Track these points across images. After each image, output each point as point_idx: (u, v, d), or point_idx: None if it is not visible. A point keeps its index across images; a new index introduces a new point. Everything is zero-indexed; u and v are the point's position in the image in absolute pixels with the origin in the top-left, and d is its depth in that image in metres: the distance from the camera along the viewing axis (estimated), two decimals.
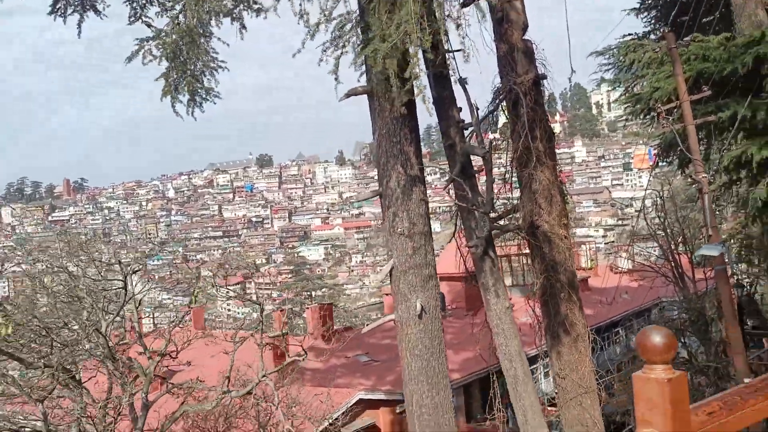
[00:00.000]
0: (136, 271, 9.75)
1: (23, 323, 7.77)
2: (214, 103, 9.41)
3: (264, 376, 9.20)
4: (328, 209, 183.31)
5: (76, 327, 8.48)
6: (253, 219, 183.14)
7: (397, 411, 18.90)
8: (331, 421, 11.65)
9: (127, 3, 9.94)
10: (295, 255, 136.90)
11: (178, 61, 8.60)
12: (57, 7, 10.25)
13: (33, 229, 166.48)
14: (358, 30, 6.61)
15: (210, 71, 8.99)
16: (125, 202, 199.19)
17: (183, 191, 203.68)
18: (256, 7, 8.35)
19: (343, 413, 15.56)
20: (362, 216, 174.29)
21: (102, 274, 9.04)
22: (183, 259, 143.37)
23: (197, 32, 8.40)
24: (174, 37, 8.38)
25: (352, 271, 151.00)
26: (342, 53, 6.25)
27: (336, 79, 6.36)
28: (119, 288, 9.07)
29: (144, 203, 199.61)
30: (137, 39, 8.80)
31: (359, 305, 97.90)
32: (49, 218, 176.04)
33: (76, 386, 8.41)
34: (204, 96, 9.11)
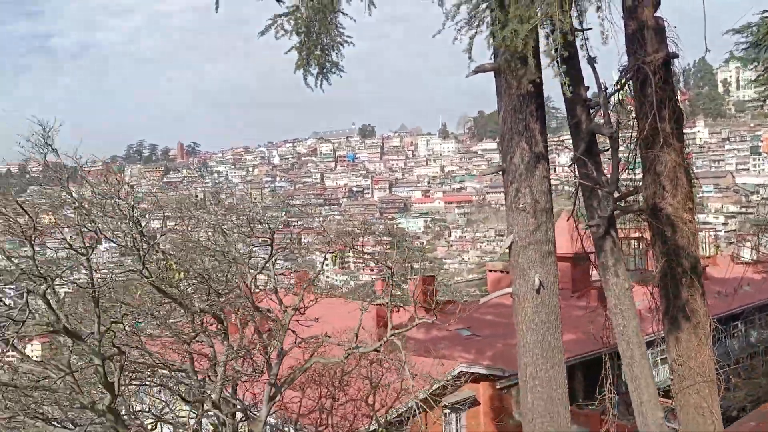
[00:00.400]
0: (276, 230, 10.59)
1: (185, 270, 8.74)
2: (340, 77, 9.90)
3: (393, 334, 9.78)
4: (429, 182, 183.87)
5: (222, 279, 9.43)
6: (354, 188, 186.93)
7: (498, 387, 19.20)
8: (442, 383, 12.15)
9: None
10: (395, 226, 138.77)
11: (311, 35, 9.10)
12: None
13: (148, 189, 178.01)
14: (491, 10, 6.80)
15: (337, 45, 9.45)
16: (233, 166, 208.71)
17: (287, 158, 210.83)
18: None
19: (445, 383, 16.03)
20: (463, 191, 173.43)
21: (253, 230, 9.89)
22: (284, 224, 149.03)
23: (329, 8, 8.88)
24: (307, 12, 8.90)
25: (451, 245, 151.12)
26: (477, 32, 6.50)
27: (469, 57, 6.62)
28: (266, 244, 9.95)
29: (251, 168, 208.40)
30: (273, 15, 9.40)
31: (458, 280, 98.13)
32: (164, 179, 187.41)
33: (222, 332, 9.39)
34: (330, 69, 9.56)
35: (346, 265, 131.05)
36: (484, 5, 6.65)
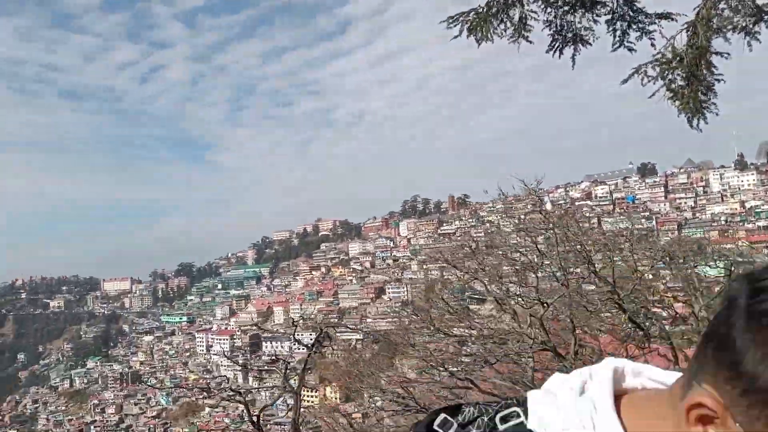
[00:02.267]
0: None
1: None
2: (717, 114, 9.54)
3: None
4: (727, 221, 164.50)
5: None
6: (636, 231, 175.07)
7: None
8: None
9: (610, 33, 10.56)
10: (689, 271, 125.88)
11: (687, 80, 8.98)
12: (554, 45, 11.29)
13: (424, 241, 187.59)
14: None
15: (711, 85, 9.18)
16: (504, 215, 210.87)
17: (560, 204, 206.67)
18: None
19: None
20: None
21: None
22: (563, 270, 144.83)
23: (705, 51, 8.55)
24: (678, 63, 8.68)
25: None
26: None
27: None
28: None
29: (522, 217, 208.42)
30: (635, 66, 9.20)
31: None
32: (438, 231, 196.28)
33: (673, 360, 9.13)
34: (707, 108, 9.40)
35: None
36: None
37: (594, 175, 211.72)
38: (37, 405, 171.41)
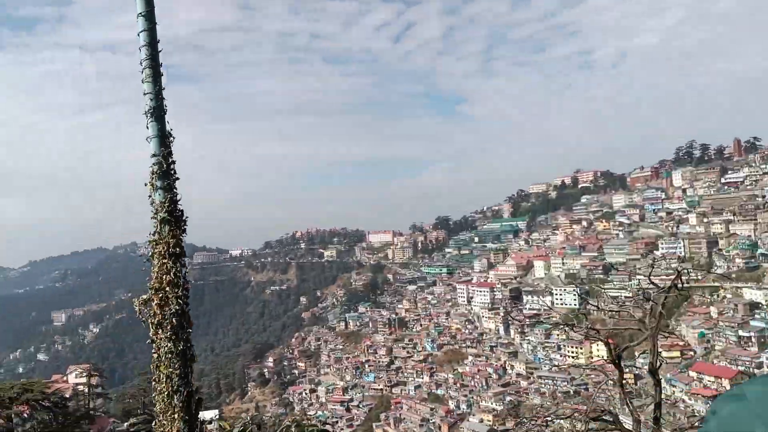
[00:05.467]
0: None
1: None
2: None
3: None
4: None
5: None
6: None
7: None
8: None
9: None
10: None
11: None
12: None
13: (704, 191, 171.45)
14: None
15: None
16: None
17: None
18: None
19: None
20: None
21: None
22: None
23: None
24: None
25: None
26: None
27: None
28: None
29: None
30: None
31: None
32: (722, 180, 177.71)
33: None
34: None
35: None
36: None
37: None
38: (319, 342, 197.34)
